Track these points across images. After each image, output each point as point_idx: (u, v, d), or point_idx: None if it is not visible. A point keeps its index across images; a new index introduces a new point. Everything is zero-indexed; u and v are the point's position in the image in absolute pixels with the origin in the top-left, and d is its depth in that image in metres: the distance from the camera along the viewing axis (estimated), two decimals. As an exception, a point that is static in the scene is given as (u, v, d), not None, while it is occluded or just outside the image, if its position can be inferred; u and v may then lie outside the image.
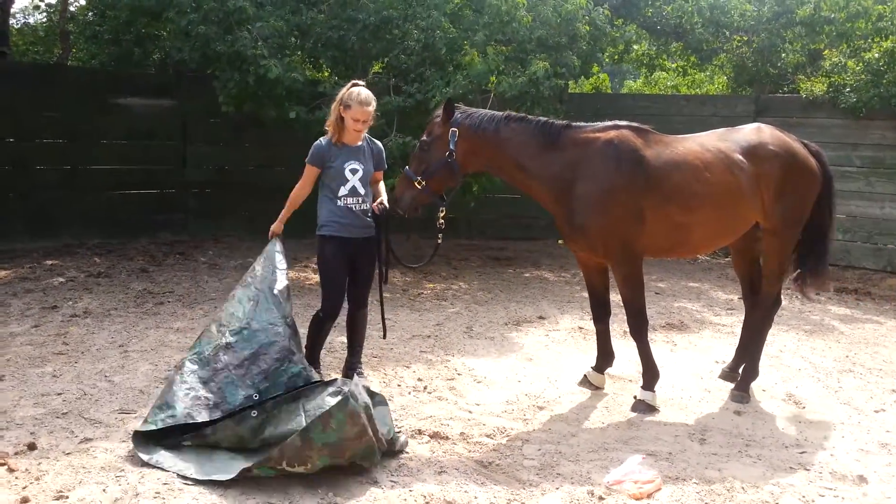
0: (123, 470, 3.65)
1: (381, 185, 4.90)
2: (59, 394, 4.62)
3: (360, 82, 4.62)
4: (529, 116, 4.74)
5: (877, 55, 9.38)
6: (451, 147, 4.49)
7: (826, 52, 10.63)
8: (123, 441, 3.96)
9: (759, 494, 3.66)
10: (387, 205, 4.70)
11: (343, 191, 4.61)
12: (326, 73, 10.01)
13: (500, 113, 4.71)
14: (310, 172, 4.66)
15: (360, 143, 4.69)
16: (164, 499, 3.40)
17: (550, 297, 7.85)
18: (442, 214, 4.69)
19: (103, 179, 10.06)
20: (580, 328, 6.58)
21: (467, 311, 7.13)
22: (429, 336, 6.24)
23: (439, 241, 4.83)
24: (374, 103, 4.57)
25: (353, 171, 4.61)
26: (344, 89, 4.57)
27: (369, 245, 4.73)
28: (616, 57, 13.30)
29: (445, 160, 4.50)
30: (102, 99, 9.81)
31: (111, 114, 9.92)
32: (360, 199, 4.65)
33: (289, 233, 4.71)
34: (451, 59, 8.24)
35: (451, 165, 4.51)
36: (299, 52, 8.47)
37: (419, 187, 4.54)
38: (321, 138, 4.71)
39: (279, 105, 8.16)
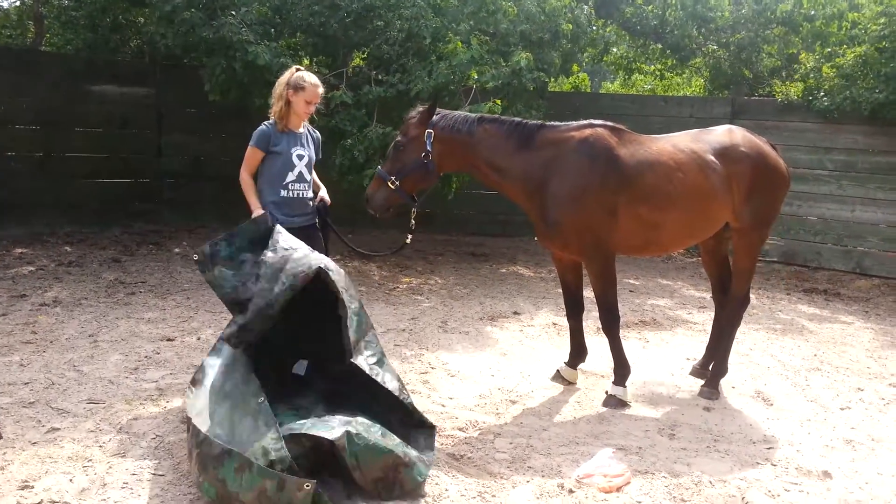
0: (91, 460, 3.61)
1: (315, 176, 4.82)
2: (26, 383, 4.55)
3: (301, 67, 4.58)
4: (503, 117, 4.76)
5: (850, 60, 9.55)
6: (428, 148, 4.51)
7: (802, 56, 10.77)
8: (91, 431, 3.92)
9: (727, 488, 3.71)
10: (327, 200, 4.76)
11: (290, 176, 4.52)
12: (306, 62, 9.94)
13: (474, 114, 4.74)
14: (255, 155, 4.48)
15: (301, 129, 4.62)
16: (132, 489, 3.37)
17: (526, 293, 7.88)
18: (413, 215, 4.71)
19: (76, 167, 9.88)
20: (554, 324, 6.62)
21: (443, 305, 7.14)
22: (403, 330, 6.24)
23: (408, 240, 4.85)
24: (321, 86, 4.54)
25: (300, 157, 4.55)
26: (288, 74, 4.48)
27: (314, 233, 4.66)
28: (595, 57, 13.34)
29: (421, 161, 4.52)
30: (77, 86, 9.64)
31: (86, 101, 9.75)
32: (306, 186, 4.61)
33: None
34: (434, 48, 8.22)
35: (427, 166, 4.53)
36: (280, 42, 8.40)
37: (392, 187, 4.54)
38: (264, 123, 4.53)
39: (264, 93, 8.09)
